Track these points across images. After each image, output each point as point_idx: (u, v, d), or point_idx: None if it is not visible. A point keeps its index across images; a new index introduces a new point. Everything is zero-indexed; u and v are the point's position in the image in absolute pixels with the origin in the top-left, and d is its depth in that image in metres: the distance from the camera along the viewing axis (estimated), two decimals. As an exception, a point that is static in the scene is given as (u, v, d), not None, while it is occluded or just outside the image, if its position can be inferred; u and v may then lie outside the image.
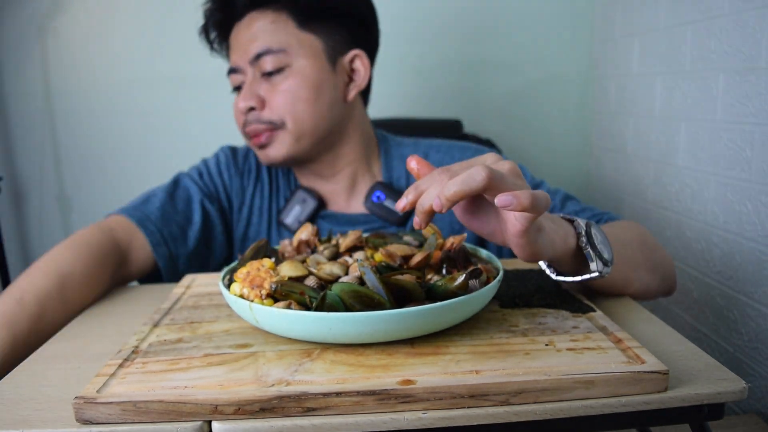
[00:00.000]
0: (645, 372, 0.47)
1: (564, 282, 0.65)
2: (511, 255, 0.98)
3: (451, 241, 0.63)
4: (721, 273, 1.14)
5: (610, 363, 0.49)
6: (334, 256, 0.65)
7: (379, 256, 0.61)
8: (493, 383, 0.46)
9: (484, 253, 0.68)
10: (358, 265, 0.54)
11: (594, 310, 0.61)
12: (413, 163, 0.59)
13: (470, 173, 0.50)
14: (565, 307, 0.62)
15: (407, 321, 0.50)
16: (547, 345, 0.53)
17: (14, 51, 1.64)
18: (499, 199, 0.48)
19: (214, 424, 0.45)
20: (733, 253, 1.10)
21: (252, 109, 0.90)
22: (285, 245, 0.68)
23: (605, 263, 0.61)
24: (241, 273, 0.58)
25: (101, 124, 1.70)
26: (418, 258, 0.60)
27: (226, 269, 0.64)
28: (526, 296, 0.65)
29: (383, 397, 0.45)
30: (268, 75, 0.89)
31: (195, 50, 1.69)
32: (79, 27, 1.64)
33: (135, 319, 0.68)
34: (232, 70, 0.92)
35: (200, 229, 0.94)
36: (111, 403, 0.45)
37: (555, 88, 1.75)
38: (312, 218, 0.97)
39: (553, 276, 0.65)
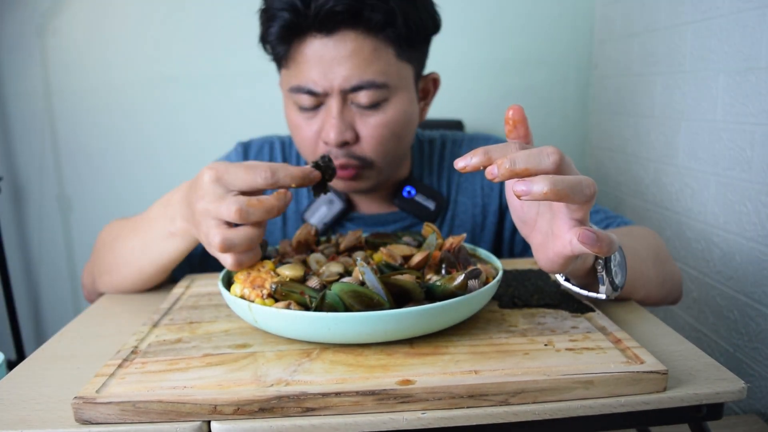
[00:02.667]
0: (644, 372, 0.47)
1: (570, 291, 0.63)
2: (513, 255, 0.98)
3: (451, 241, 0.63)
4: (721, 273, 1.14)
5: (609, 363, 0.49)
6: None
7: (379, 256, 0.61)
8: (492, 383, 0.46)
9: (483, 253, 0.68)
10: (358, 265, 0.54)
11: (593, 310, 0.61)
12: (511, 113, 0.53)
13: (541, 151, 0.47)
14: (564, 307, 0.62)
15: (406, 321, 0.50)
16: (546, 345, 0.53)
17: (14, 51, 1.64)
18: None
19: (214, 424, 0.45)
20: (733, 253, 1.10)
21: (345, 143, 0.80)
22: (284, 245, 0.68)
23: (615, 288, 0.58)
24: (241, 274, 0.58)
25: (101, 124, 1.70)
26: (418, 258, 0.60)
27: (225, 270, 0.64)
28: (525, 296, 0.65)
29: (382, 398, 0.45)
30: (361, 106, 0.79)
31: (195, 50, 1.70)
32: (79, 27, 1.64)
33: (134, 319, 0.68)
34: (307, 91, 0.79)
35: None
36: (110, 403, 0.45)
37: (555, 88, 1.75)
38: (339, 220, 0.93)
39: (561, 280, 0.63)
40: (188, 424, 0.45)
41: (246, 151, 0.99)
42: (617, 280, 0.58)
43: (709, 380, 0.49)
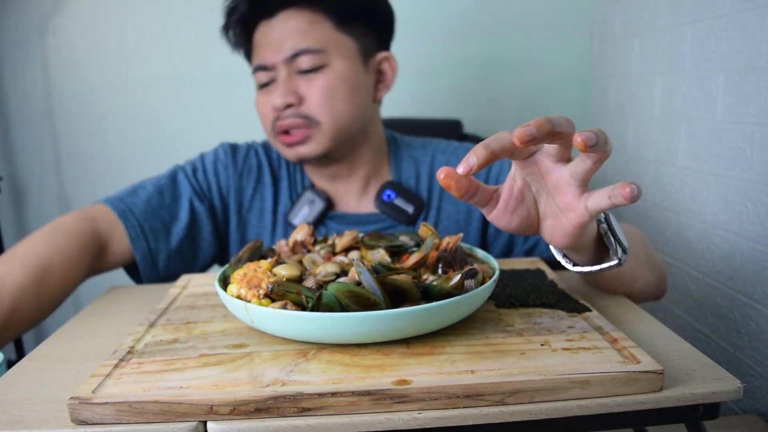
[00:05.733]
0: (640, 372, 0.47)
1: (581, 272, 0.62)
2: (509, 255, 0.98)
3: (447, 240, 0.63)
4: (721, 273, 1.14)
5: (605, 363, 0.48)
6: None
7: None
8: (489, 383, 0.46)
9: (480, 253, 0.68)
10: (354, 265, 0.54)
11: (590, 310, 0.61)
12: (443, 175, 0.53)
13: (537, 121, 0.47)
14: (560, 307, 0.62)
15: (403, 321, 0.50)
16: (542, 345, 0.53)
17: (14, 51, 1.64)
18: (583, 137, 0.46)
19: (210, 425, 0.45)
20: (733, 253, 1.10)
21: (290, 105, 0.89)
22: (281, 246, 0.68)
23: (624, 251, 0.59)
24: (237, 274, 0.58)
25: (101, 124, 1.70)
26: (415, 258, 0.60)
27: (221, 270, 0.64)
28: (522, 296, 0.65)
29: (378, 398, 0.45)
30: (305, 72, 0.88)
31: (195, 50, 1.70)
32: (79, 27, 1.64)
33: (131, 319, 0.68)
34: (260, 68, 0.91)
35: (186, 227, 0.93)
36: (106, 403, 0.45)
37: (555, 88, 1.75)
38: (321, 219, 0.97)
39: (570, 266, 0.63)
40: (184, 424, 0.45)
41: (235, 152, 1.02)
42: (624, 243, 0.60)
43: (705, 380, 0.49)
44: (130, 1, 1.64)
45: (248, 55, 0.97)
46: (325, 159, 0.94)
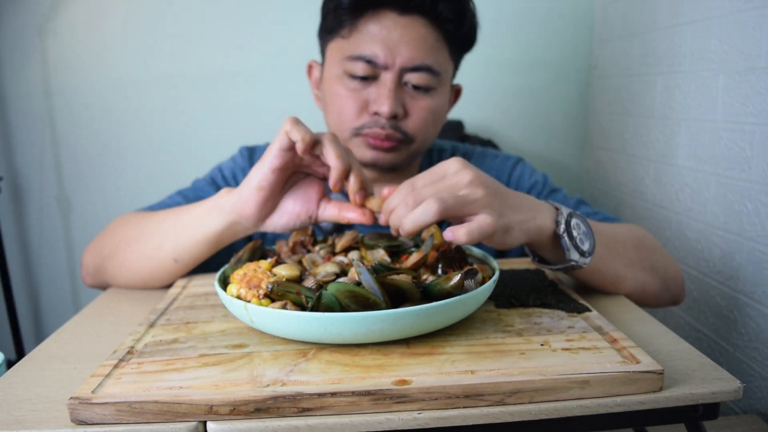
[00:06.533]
0: (640, 372, 0.47)
1: (543, 268, 0.67)
2: (511, 255, 0.98)
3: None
4: (721, 273, 1.14)
5: (605, 363, 0.48)
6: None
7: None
8: (488, 383, 0.46)
9: (480, 253, 0.68)
10: (354, 265, 0.54)
11: (589, 310, 0.61)
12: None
13: (424, 209, 0.56)
14: (560, 307, 0.62)
15: (402, 321, 0.50)
16: (542, 345, 0.53)
17: (14, 51, 1.64)
18: (445, 235, 0.56)
19: (209, 425, 0.45)
20: (733, 253, 1.10)
21: (395, 117, 0.86)
22: (281, 246, 0.68)
23: (582, 254, 0.63)
24: (237, 274, 0.58)
25: (101, 124, 1.70)
26: (414, 259, 0.60)
27: (221, 270, 0.64)
28: (522, 296, 0.65)
29: (378, 398, 0.45)
30: (413, 87, 0.86)
31: (195, 50, 1.70)
32: (79, 27, 1.64)
33: (131, 319, 0.68)
34: (364, 59, 0.83)
35: None
36: (106, 403, 0.45)
37: (555, 88, 1.75)
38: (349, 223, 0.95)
39: (534, 262, 0.68)
40: (184, 424, 0.45)
41: (251, 155, 1.00)
42: (584, 246, 0.63)
43: (705, 380, 0.49)
44: (129, 1, 1.64)
45: (337, 27, 0.87)
46: (392, 167, 0.92)
